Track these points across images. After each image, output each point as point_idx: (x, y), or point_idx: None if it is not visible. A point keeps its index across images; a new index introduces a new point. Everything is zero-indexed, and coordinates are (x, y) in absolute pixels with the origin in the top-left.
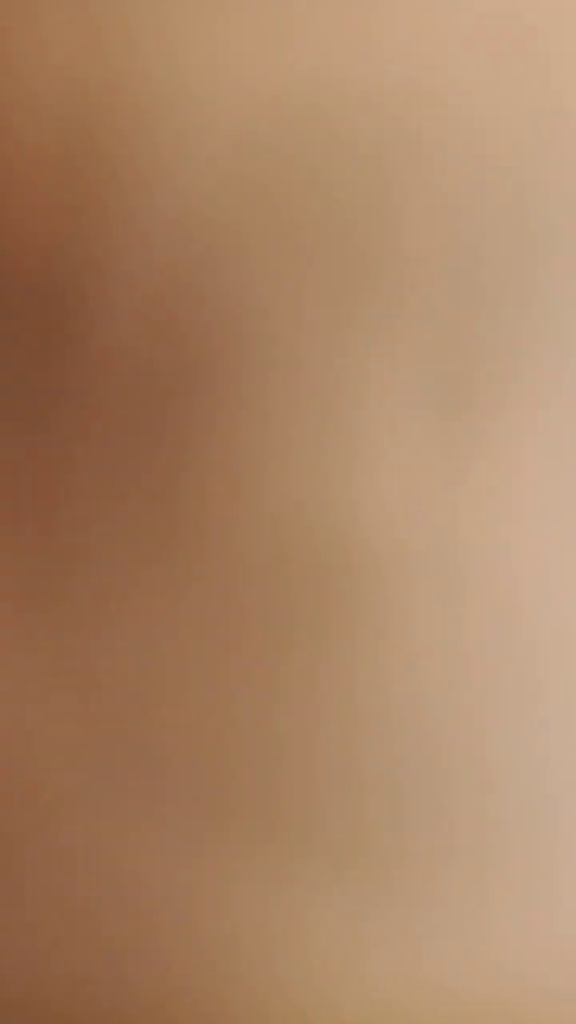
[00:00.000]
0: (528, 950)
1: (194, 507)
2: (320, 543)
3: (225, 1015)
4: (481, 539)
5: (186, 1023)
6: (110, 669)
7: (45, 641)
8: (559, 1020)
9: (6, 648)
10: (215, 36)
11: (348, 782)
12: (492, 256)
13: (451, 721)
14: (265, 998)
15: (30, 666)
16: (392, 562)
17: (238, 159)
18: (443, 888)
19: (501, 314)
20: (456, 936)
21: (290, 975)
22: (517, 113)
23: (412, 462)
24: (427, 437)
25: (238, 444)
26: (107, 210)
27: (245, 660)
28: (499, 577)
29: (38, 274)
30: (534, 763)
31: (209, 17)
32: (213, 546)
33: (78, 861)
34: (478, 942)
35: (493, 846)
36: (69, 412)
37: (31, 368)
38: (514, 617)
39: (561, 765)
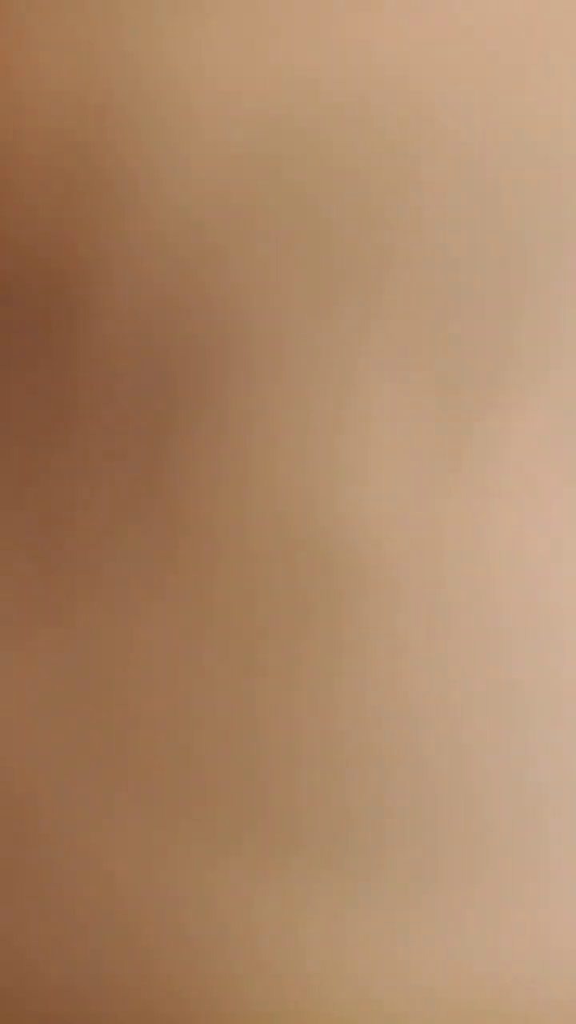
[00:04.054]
0: (515, 942)
1: (181, 511)
2: (307, 543)
3: (214, 1011)
4: (470, 538)
5: (175, 1019)
6: (128, 675)
7: (39, 646)
8: (549, 1012)
9: (21, 658)
10: (210, 51)
11: (333, 778)
12: (482, 258)
13: (436, 717)
14: (253, 993)
15: (47, 676)
16: (379, 561)
17: (232, 172)
18: (429, 882)
19: (490, 319)
20: (443, 930)
21: (278, 970)
22: (510, 122)
23: (401, 461)
24: (416, 436)
25: (225, 448)
26: (101, 222)
27: (229, 657)
28: (487, 575)
29: (33, 285)
30: (520, 760)
31: (204, 32)
32: (195, 549)
33: (65, 861)
34: (465, 935)
35: (479, 841)
36: (66, 423)
37: (27, 379)
38: (501, 615)
39: (545, 764)
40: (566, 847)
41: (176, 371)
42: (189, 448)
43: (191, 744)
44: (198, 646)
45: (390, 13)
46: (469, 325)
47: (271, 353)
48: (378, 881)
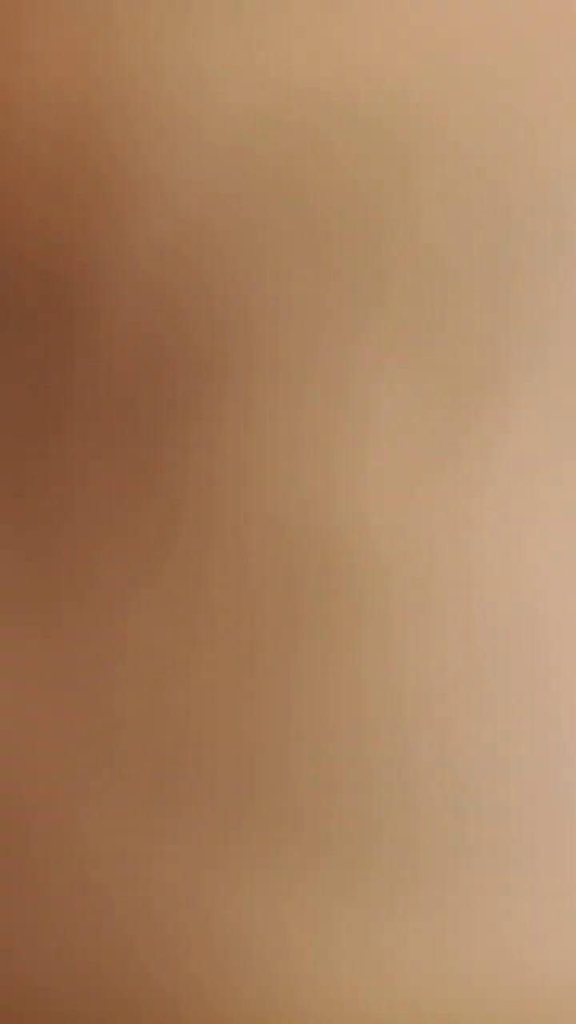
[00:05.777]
0: (550, 950)
1: (176, 506)
2: (301, 538)
3: (238, 1019)
4: (464, 537)
5: (161, 1019)
6: (118, 672)
7: (52, 644)
8: (544, 1007)
9: (11, 651)
10: (207, 51)
11: (324, 775)
12: (479, 260)
13: (428, 715)
14: (279, 1002)
15: (38, 670)
16: (373, 556)
17: (231, 173)
18: (460, 892)
19: (486, 321)
20: (473, 939)
21: (304, 979)
22: (511, 124)
23: (396, 458)
24: (411, 435)
25: (221, 447)
26: (98, 223)
27: (222, 652)
28: (481, 575)
29: (30, 286)
30: (509, 757)
31: (201, 32)
32: (189, 544)
33: (90, 865)
34: (495, 945)
35: (510, 849)
36: (63, 423)
37: (23, 378)
38: (495, 614)
39: (535, 761)
40: (553, 842)
41: (173, 369)
42: (185, 446)
43: (179, 739)
44: (191, 642)
45: (389, 13)
46: (466, 328)
47: (268, 351)
48: (410, 893)
